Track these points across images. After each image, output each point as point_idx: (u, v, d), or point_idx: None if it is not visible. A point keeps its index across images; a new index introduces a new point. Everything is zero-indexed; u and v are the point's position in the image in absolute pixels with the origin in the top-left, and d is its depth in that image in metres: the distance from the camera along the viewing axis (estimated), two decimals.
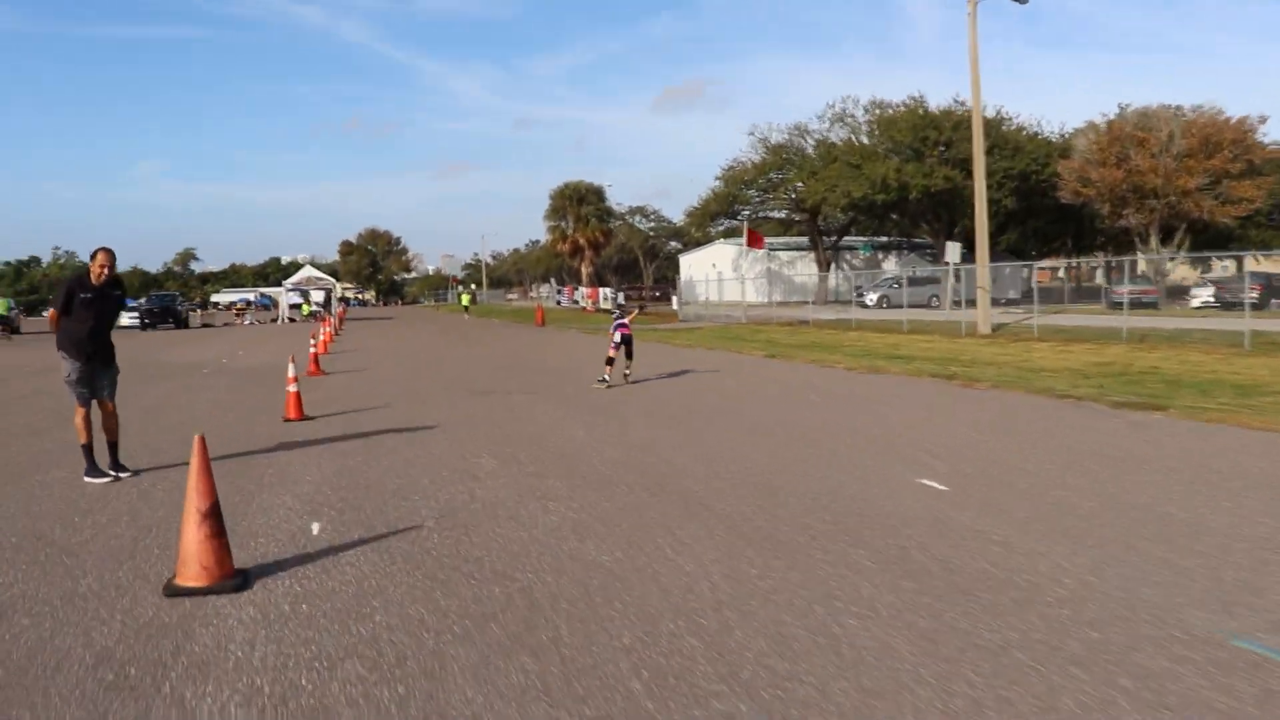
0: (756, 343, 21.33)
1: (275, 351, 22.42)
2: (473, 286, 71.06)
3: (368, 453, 7.79)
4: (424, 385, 13.25)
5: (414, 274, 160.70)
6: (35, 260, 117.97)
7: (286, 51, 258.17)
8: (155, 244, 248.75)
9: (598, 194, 63.94)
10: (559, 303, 66.48)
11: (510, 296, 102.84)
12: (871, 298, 42.94)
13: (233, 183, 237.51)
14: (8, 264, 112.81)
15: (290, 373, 10.48)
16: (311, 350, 16.66)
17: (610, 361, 13.53)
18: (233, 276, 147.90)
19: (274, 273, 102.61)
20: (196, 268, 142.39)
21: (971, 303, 27.14)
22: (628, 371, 13.90)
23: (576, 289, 63.65)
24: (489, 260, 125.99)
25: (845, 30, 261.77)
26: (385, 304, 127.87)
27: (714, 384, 12.72)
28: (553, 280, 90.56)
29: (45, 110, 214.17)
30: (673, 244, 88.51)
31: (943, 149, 44.78)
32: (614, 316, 14.21)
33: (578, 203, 62.70)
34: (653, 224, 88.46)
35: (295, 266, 62.04)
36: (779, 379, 13.25)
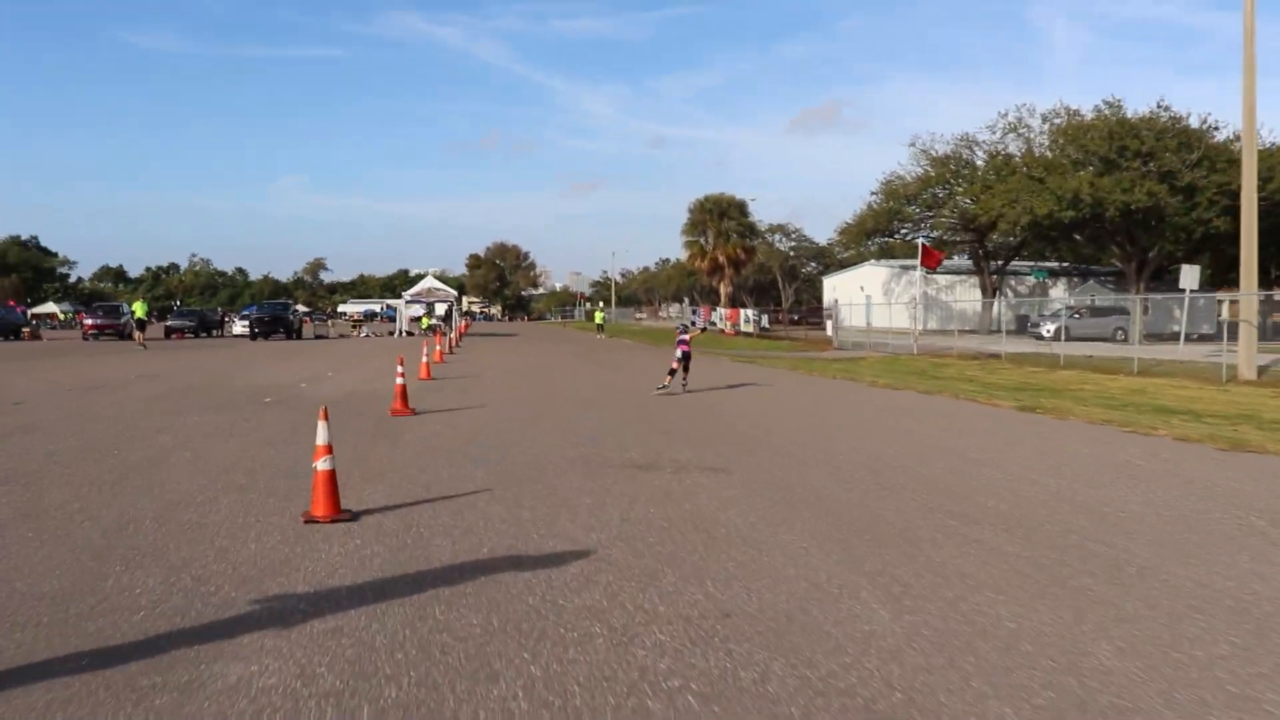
0: (967, 384, 18.01)
1: (375, 373, 19.67)
2: (601, 304, 67.29)
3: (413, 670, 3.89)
4: (551, 447, 9.37)
5: (540, 290, 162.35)
6: (174, 267, 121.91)
7: (427, 70, 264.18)
8: (291, 255, 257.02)
9: (740, 208, 60.17)
10: (693, 324, 61.80)
11: (639, 316, 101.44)
12: (1048, 329, 37.19)
13: (368, 196, 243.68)
14: (148, 269, 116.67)
15: (321, 438, 6.03)
16: (399, 382, 12.62)
17: (672, 372, 15.65)
18: (360, 287, 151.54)
19: (401, 284, 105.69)
20: (326, 277, 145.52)
21: (1158, 338, 26.01)
22: (685, 382, 15.75)
23: (714, 310, 59.42)
24: (618, 278, 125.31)
25: (981, 53, 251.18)
26: (510, 318, 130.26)
27: (1028, 474, 8.26)
28: (685, 300, 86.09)
29: (195, 124, 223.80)
30: (811, 265, 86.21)
31: (1144, 161, 39.79)
32: (678, 333, 16.12)
33: (718, 217, 58.98)
34: (793, 243, 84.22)
35: (422, 279, 60.05)
36: (1102, 457, 9.14)
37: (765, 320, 51.07)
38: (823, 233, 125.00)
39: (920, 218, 50.09)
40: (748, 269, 64.11)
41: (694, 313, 64.61)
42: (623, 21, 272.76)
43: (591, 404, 13.61)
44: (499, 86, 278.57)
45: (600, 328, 55.36)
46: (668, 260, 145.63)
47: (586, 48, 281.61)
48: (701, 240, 60.25)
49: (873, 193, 51.30)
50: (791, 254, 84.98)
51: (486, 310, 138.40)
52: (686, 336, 16.19)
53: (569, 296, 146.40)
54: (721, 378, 19.11)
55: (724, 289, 60.96)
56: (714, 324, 53.80)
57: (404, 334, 49.35)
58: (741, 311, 54.95)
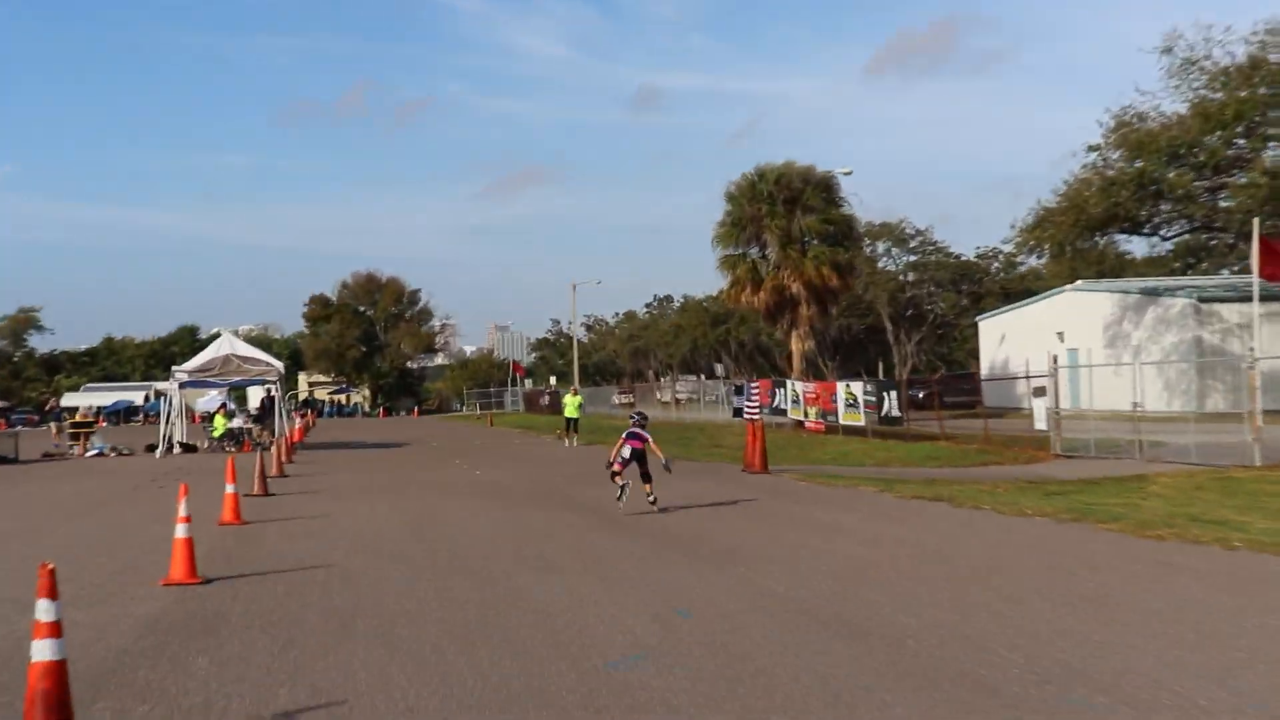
0: None
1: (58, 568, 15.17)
2: (574, 388, 70.72)
3: None
4: None
5: (442, 357, 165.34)
6: None
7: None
8: None
9: (824, 191, 56.55)
10: (742, 413, 56.92)
11: (621, 398, 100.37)
12: None
13: (124, 201, 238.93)
14: None
15: None
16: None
17: (614, 473, 21.08)
18: (106, 360, 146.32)
19: (184, 353, 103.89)
20: (41, 342, 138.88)
21: None
22: (652, 500, 21.10)
23: (782, 385, 54.49)
24: (581, 333, 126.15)
25: None
26: (386, 412, 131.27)
27: None
28: (719, 367, 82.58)
29: None
30: (932, 295, 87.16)
31: None
32: (632, 421, 21.91)
33: (784, 208, 55.63)
34: (914, 254, 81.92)
35: (216, 342, 54.97)
36: None
37: (892, 401, 44.75)
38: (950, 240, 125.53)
39: (1206, 188, 46.86)
40: (839, 305, 63.25)
41: (740, 391, 62.16)
42: None
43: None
44: (368, 6, 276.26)
45: (572, 426, 49.99)
46: (665, 301, 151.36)
47: None
48: (752, 254, 57.87)
49: (1095, 147, 49.88)
50: (907, 279, 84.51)
51: (344, 398, 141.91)
52: (643, 432, 21.18)
53: (489, 366, 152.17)
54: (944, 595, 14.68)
55: (797, 345, 58.80)
56: (779, 409, 55.08)
57: (178, 448, 49.33)
58: (843, 387, 48.99)
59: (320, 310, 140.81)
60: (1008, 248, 68.46)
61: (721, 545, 16.99)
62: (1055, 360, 38.69)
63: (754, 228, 57.78)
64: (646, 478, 20.94)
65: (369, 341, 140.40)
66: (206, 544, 17.43)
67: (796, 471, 31.50)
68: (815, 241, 56.73)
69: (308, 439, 61.20)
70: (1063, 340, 60.12)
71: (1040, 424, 36.91)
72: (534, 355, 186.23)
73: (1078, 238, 51.68)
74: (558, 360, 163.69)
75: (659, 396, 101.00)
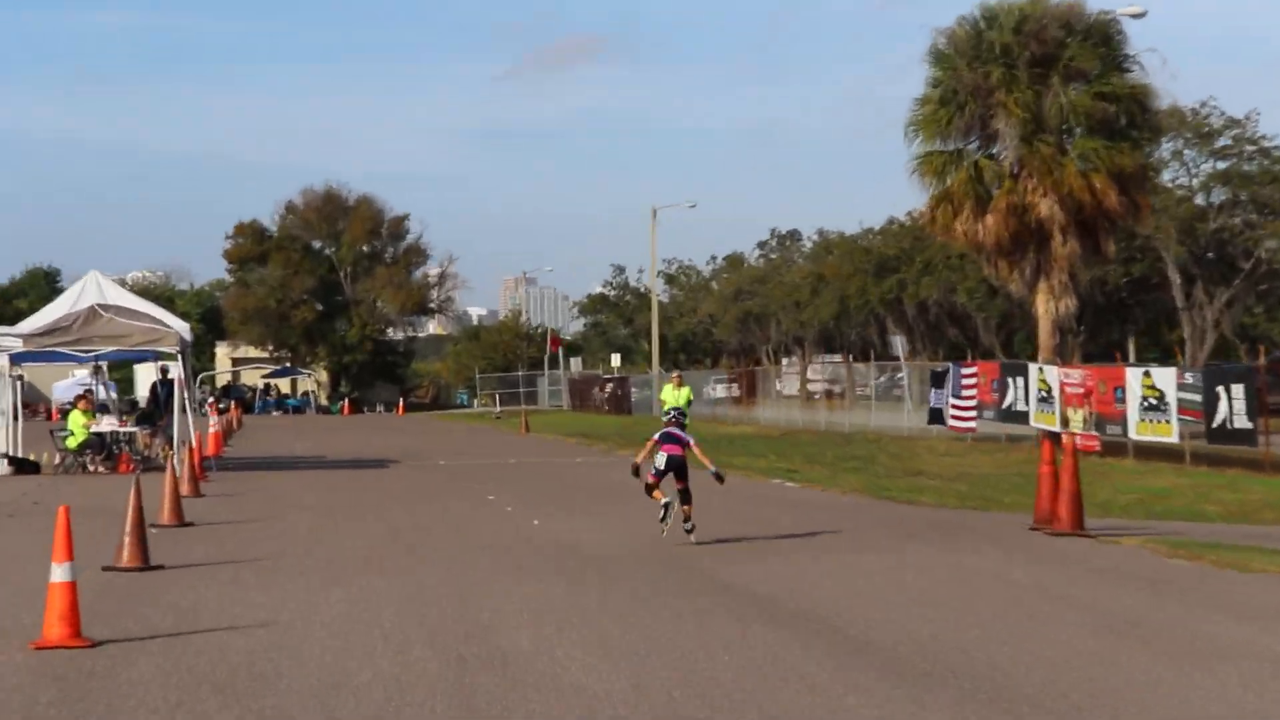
0: None
1: None
2: (676, 373, 68.36)
3: None
4: None
5: (439, 323, 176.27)
6: None
7: None
8: None
9: (1100, 40, 53.82)
10: (944, 417, 59.54)
11: (722, 388, 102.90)
12: None
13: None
14: None
15: None
16: None
17: (650, 488, 24.18)
18: None
19: (32, 305, 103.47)
20: None
21: None
22: (689, 527, 23.82)
23: (1020, 372, 54.70)
24: (660, 287, 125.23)
25: None
26: (353, 406, 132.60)
27: None
28: (898, 343, 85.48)
29: None
30: (1247, 217, 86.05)
31: None
32: (668, 419, 25.60)
33: (1033, 71, 52.94)
34: (1222, 160, 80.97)
35: (82, 291, 51.30)
36: None
37: (1234, 403, 42.03)
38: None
39: None
40: (1116, 239, 60.93)
41: (942, 381, 61.67)
42: None
43: None
44: None
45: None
46: (794, 238, 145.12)
47: None
48: (972, 151, 55.55)
49: None
50: (1211, 202, 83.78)
51: (288, 384, 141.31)
52: (681, 432, 24.38)
53: (514, 338, 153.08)
54: None
55: (1046, 303, 55.57)
56: (1012, 411, 54.29)
57: (7, 468, 47.31)
58: (1137, 376, 47.66)
59: (251, 247, 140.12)
60: None
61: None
62: None
63: (978, 107, 54.88)
64: (686, 497, 23.27)
65: (328, 296, 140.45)
66: None
67: (1121, 530, 28.43)
68: (1082, 132, 54.08)
69: (228, 450, 59.40)
70: None
71: None
72: (581, 320, 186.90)
73: None
74: (620, 329, 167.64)
75: (779, 387, 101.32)
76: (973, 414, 55.76)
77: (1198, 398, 42.82)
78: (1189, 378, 44.99)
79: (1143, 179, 56.23)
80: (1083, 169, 52.70)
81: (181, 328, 47.31)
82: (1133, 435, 45.44)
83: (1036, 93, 53.20)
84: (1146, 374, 46.90)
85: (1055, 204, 52.82)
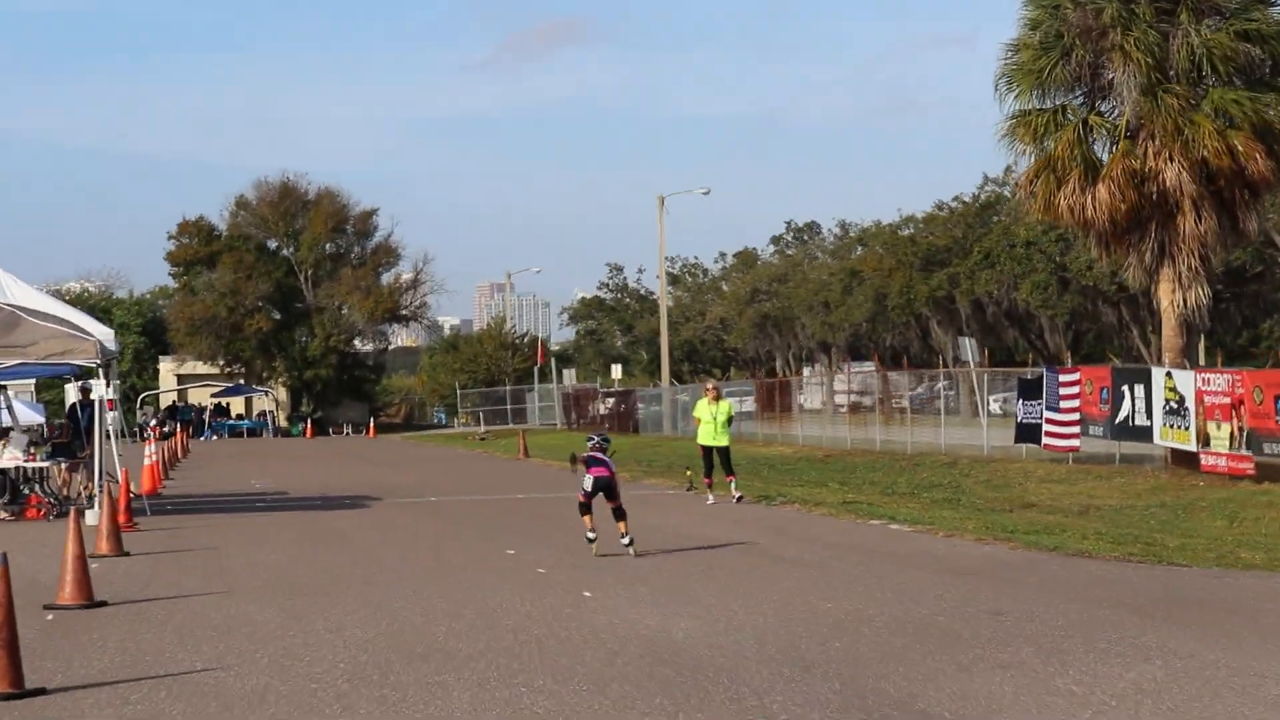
0: None
1: None
2: (713, 385, 60.80)
3: None
4: None
5: (413, 333, 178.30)
6: None
7: None
8: None
9: None
10: (1039, 435, 56.95)
11: (734, 398, 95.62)
12: None
13: None
14: None
15: None
16: None
17: (585, 509, 28.12)
18: None
19: None
20: None
21: None
22: (626, 541, 27.50)
23: (1140, 379, 52.20)
24: (666, 292, 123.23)
25: None
26: (316, 428, 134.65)
27: None
28: (968, 346, 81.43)
29: None
30: None
31: None
32: (590, 445, 28.27)
33: (1157, 7, 50.35)
34: None
35: None
36: None
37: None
38: None
39: None
40: (1260, 211, 59.85)
41: (1034, 390, 59.07)
42: None
43: None
44: None
45: (720, 460, 46.14)
46: (813, 230, 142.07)
47: None
48: (1078, 107, 53.48)
49: None
50: None
51: (242, 403, 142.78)
52: (604, 455, 27.58)
53: (497, 347, 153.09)
54: None
55: (1170, 294, 52.81)
56: (1130, 426, 51.60)
57: None
58: None
59: (198, 248, 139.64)
60: None
61: None
62: None
63: (1087, 53, 51.57)
64: (620, 514, 26.94)
65: (286, 303, 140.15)
66: None
67: None
68: (1219, 81, 50.84)
69: (170, 483, 56.41)
70: None
71: None
72: (572, 328, 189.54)
73: None
74: (618, 335, 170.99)
75: (803, 400, 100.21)
76: (1075, 430, 52.61)
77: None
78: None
79: None
80: (1219, 126, 49.21)
81: (104, 335, 42.64)
82: None
83: (1162, 33, 49.87)
84: None
85: (1184, 170, 49.81)
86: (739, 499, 42.25)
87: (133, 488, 46.68)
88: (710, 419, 45.45)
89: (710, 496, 43.76)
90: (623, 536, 26.50)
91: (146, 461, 51.75)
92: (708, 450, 45.42)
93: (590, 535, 26.76)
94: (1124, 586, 23.35)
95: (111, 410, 43.97)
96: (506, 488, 52.28)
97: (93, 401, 44.77)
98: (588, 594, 23.76)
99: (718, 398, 47.31)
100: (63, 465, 45.41)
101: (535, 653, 19.12)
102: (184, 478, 61.18)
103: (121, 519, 33.63)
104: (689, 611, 21.91)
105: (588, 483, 26.30)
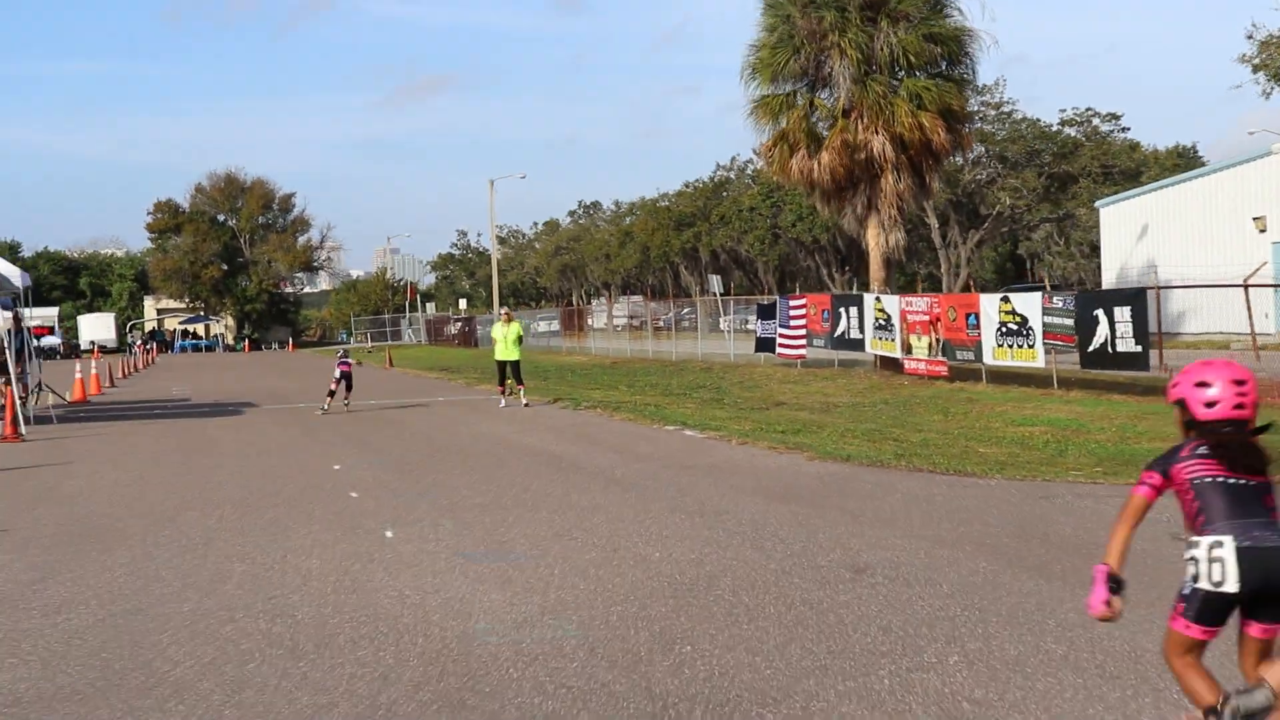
0: None
1: None
2: (504, 311, 56.23)
3: None
4: None
5: (324, 279, 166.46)
6: None
7: None
8: None
9: None
10: (774, 346, 51.77)
11: (547, 324, 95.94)
12: None
13: None
14: None
15: None
16: None
17: (331, 394, 31.20)
18: None
19: None
20: None
21: None
22: (347, 402, 31.45)
23: (854, 302, 49.89)
24: (493, 246, 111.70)
25: None
26: (253, 345, 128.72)
27: None
28: (715, 282, 73.57)
29: None
30: (993, 171, 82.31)
31: None
32: (339, 357, 32.09)
33: (864, 15, 44.61)
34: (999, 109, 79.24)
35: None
36: None
37: (1117, 326, 32.89)
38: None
39: None
40: (942, 173, 55.02)
41: (769, 313, 52.70)
42: None
43: None
44: None
45: (512, 372, 40.22)
46: (595, 208, 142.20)
47: None
48: (804, 93, 47.13)
49: None
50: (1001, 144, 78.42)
51: (202, 328, 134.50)
52: (349, 360, 31.77)
53: (382, 289, 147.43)
54: None
55: (877, 237, 46.80)
56: (847, 339, 45.55)
57: None
58: (992, 302, 38.12)
59: (168, 220, 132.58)
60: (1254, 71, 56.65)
61: None
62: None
63: (812, 50, 45.30)
64: (349, 388, 31.65)
65: (231, 258, 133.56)
66: None
67: None
68: (910, 72, 45.15)
69: (113, 390, 48.00)
70: (1264, 230, 52.48)
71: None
72: (434, 275, 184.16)
73: None
74: (464, 280, 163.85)
75: (590, 322, 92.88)
76: (803, 343, 46.64)
77: (1068, 321, 32.35)
78: (1058, 301, 34.38)
79: (964, 116, 47.48)
80: (913, 108, 43.92)
81: (10, 273, 33.35)
82: (988, 359, 35.38)
83: (868, 35, 43.89)
84: (1005, 299, 36.41)
85: (887, 142, 44.11)
86: (526, 404, 37.12)
87: (65, 397, 37.96)
88: (502, 338, 39.02)
89: (503, 401, 38.08)
90: (346, 400, 30.94)
91: (77, 376, 42.78)
92: (501, 364, 39.34)
93: (328, 404, 30.69)
94: (975, 517, 13.95)
95: (41, 336, 34.39)
96: (369, 395, 41.97)
97: (16, 329, 35.36)
98: (389, 534, 13.88)
99: (509, 320, 40.21)
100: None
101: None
102: (130, 385, 51.89)
103: (8, 431, 26.43)
104: (499, 575, 11.95)
105: (337, 373, 30.62)
